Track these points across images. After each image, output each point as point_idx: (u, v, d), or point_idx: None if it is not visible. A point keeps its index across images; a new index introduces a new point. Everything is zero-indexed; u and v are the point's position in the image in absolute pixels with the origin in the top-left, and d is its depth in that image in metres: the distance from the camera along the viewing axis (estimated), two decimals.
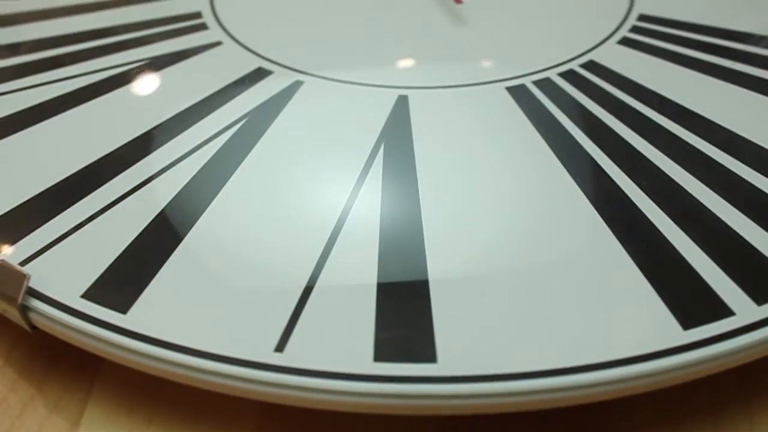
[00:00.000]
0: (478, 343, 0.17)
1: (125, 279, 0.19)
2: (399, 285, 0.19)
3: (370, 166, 0.22)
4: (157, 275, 0.19)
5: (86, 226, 0.21)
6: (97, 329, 0.18)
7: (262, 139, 0.23)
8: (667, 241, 0.20)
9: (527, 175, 0.22)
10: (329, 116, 0.24)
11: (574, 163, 0.22)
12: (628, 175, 0.22)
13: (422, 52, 0.27)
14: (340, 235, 0.20)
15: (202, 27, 0.29)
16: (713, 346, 0.17)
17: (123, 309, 0.18)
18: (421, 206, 0.21)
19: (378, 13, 0.30)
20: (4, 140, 0.24)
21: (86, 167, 0.23)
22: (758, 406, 0.19)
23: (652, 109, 0.24)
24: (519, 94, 0.25)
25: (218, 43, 0.28)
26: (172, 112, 0.24)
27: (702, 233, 0.20)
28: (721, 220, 0.20)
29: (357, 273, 0.19)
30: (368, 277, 0.19)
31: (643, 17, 0.29)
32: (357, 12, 0.30)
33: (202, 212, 0.21)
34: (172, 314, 0.18)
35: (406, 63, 0.27)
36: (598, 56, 0.27)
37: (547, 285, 0.19)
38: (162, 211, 0.21)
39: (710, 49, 0.27)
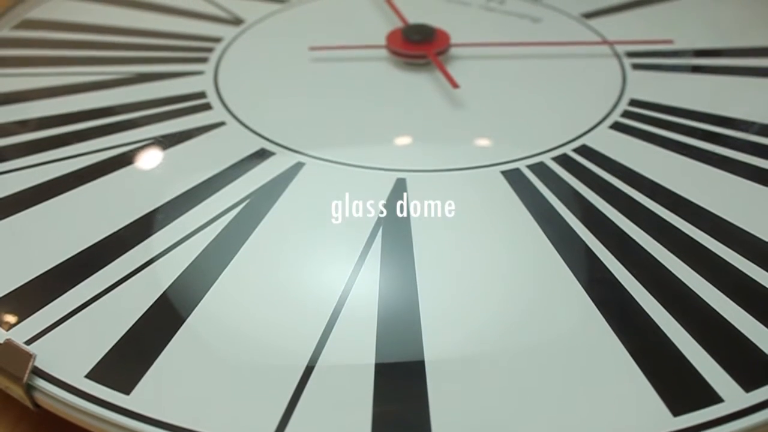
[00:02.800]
0: (472, 425, 0.18)
1: (129, 360, 0.20)
2: (396, 366, 0.20)
3: (369, 248, 0.24)
4: (160, 356, 0.20)
5: (90, 306, 0.22)
6: (101, 410, 0.19)
7: (263, 220, 0.24)
8: (657, 326, 0.21)
9: (521, 258, 0.23)
10: (329, 198, 0.26)
11: (566, 248, 0.23)
12: (619, 260, 0.23)
13: (420, 135, 0.29)
14: (340, 316, 0.21)
15: (207, 107, 0.30)
16: None
17: (126, 390, 0.19)
18: (418, 289, 0.22)
19: (377, 96, 0.32)
20: (10, 219, 0.25)
21: (90, 247, 0.24)
22: None
23: (643, 195, 0.26)
24: (514, 178, 0.26)
25: (222, 124, 0.29)
26: (176, 192, 0.26)
27: (691, 319, 0.21)
28: (710, 307, 0.21)
29: (356, 354, 0.20)
30: (366, 358, 0.20)
31: (634, 102, 0.31)
32: (357, 94, 0.32)
33: (205, 293, 0.22)
34: (174, 395, 0.19)
35: (404, 146, 0.28)
36: (591, 141, 0.28)
37: (538, 368, 0.20)
38: (165, 292, 0.22)
39: (700, 134, 0.29)
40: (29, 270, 0.23)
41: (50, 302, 0.22)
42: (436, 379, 0.20)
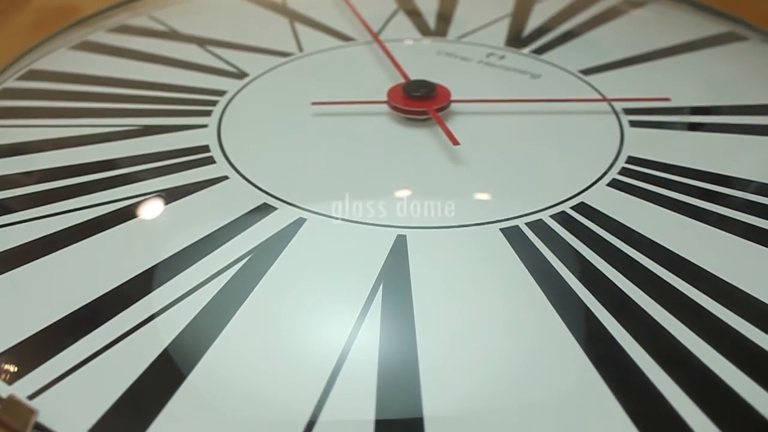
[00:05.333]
0: None
1: (131, 416, 0.21)
2: (395, 423, 0.21)
3: (370, 304, 0.24)
4: (162, 412, 0.21)
5: (92, 362, 0.22)
6: None
7: (265, 277, 0.25)
8: (654, 386, 0.21)
9: (520, 317, 0.24)
10: (330, 254, 0.26)
11: (565, 307, 0.24)
12: (617, 320, 0.24)
13: (421, 192, 0.30)
14: (341, 373, 0.22)
15: (210, 161, 0.31)
16: None
17: None
18: (418, 346, 0.23)
19: (378, 152, 0.33)
20: (12, 272, 0.26)
21: (92, 302, 0.24)
22: None
23: (641, 254, 0.26)
24: (513, 235, 0.27)
25: (225, 178, 0.30)
26: (178, 247, 0.26)
27: (688, 380, 0.22)
28: (707, 367, 0.22)
29: (356, 410, 0.21)
30: (366, 414, 0.21)
31: (632, 159, 0.32)
32: (358, 150, 0.33)
33: (206, 350, 0.23)
34: None
35: (405, 203, 0.29)
36: (589, 198, 0.29)
37: (536, 426, 0.21)
38: (166, 348, 0.23)
39: (697, 193, 0.30)
40: (31, 324, 0.24)
41: (52, 357, 0.23)
42: None
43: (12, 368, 0.22)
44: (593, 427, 0.20)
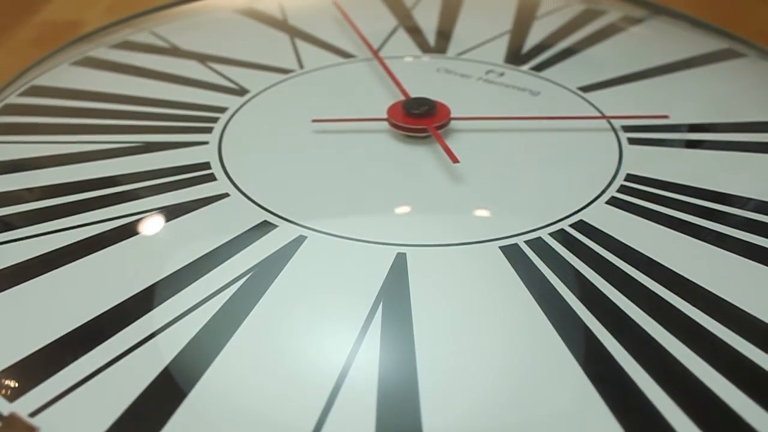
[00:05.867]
0: None
1: None
2: None
3: (370, 322, 0.24)
4: (162, 430, 0.21)
5: (93, 380, 0.22)
6: None
7: (265, 295, 0.25)
8: (653, 405, 0.22)
9: (519, 334, 0.24)
10: (331, 272, 0.27)
11: (564, 325, 0.24)
12: (616, 338, 0.24)
13: (421, 210, 0.30)
14: (341, 392, 0.22)
15: (211, 178, 0.32)
16: None
17: None
18: (417, 364, 0.23)
19: (378, 169, 0.33)
20: (13, 289, 0.26)
21: (94, 319, 0.25)
22: None
23: (640, 272, 0.27)
24: (512, 253, 0.27)
25: (225, 195, 0.31)
26: (179, 265, 0.27)
27: (686, 398, 0.22)
28: (705, 386, 0.22)
29: (356, 428, 0.21)
30: None
31: (631, 177, 0.32)
32: (358, 167, 0.33)
33: (207, 367, 0.23)
34: None
35: (404, 221, 0.30)
36: (588, 216, 0.29)
37: None
38: (167, 365, 0.23)
39: (696, 210, 0.30)
40: (32, 341, 0.24)
41: (53, 374, 0.23)
42: None
43: (13, 385, 0.22)
44: None
